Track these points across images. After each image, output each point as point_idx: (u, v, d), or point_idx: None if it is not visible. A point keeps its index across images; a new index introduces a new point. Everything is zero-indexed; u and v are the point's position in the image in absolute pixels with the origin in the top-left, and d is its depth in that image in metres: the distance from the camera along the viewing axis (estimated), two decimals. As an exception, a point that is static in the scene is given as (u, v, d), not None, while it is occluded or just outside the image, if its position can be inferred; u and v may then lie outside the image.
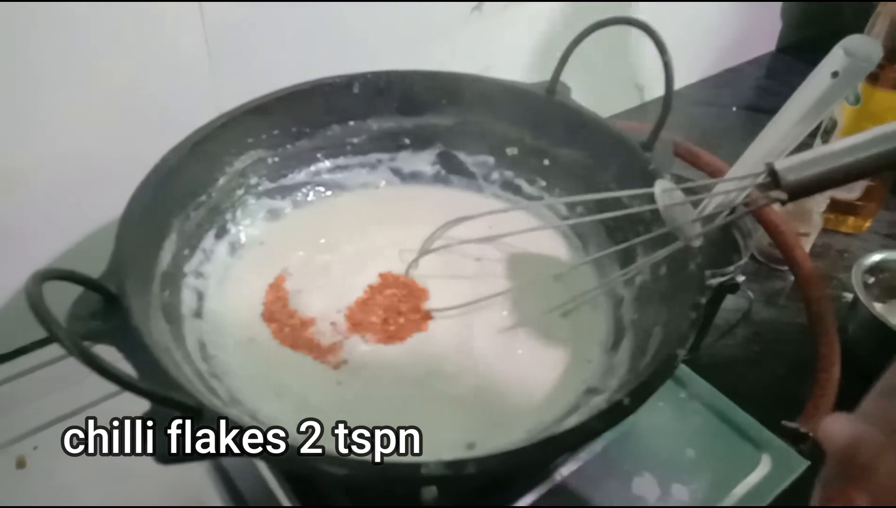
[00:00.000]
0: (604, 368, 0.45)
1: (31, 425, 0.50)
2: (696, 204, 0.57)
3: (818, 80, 0.52)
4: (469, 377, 0.46)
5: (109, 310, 0.36)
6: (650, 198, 0.47)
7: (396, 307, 0.50)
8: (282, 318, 0.48)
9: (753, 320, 0.73)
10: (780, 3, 1.17)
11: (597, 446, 0.47)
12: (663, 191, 0.46)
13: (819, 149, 0.37)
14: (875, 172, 0.37)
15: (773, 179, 0.37)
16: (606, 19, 0.49)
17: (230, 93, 0.53)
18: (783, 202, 0.38)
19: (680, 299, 0.41)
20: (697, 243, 0.43)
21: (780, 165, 0.37)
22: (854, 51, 0.51)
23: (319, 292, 0.50)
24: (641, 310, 0.47)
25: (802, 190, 0.37)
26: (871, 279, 0.69)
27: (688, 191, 0.63)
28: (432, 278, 0.52)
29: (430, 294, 0.51)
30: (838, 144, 0.37)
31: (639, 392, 0.35)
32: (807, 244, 0.77)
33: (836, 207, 0.81)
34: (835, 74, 0.51)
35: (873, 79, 0.72)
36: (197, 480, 0.45)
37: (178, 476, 0.44)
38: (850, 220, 0.83)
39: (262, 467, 0.42)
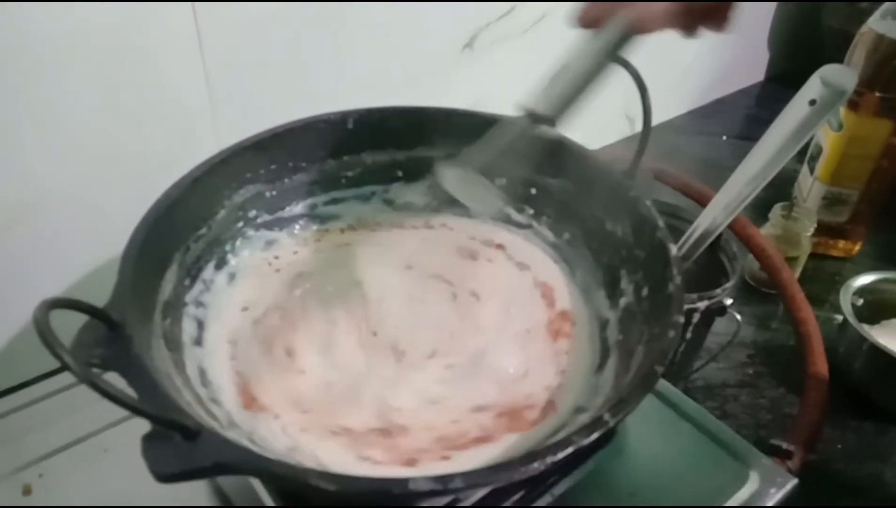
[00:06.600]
0: (591, 387, 0.47)
1: (36, 453, 0.52)
2: (680, 231, 0.59)
3: (797, 108, 0.54)
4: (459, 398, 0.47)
5: (113, 338, 0.37)
6: (630, 222, 0.49)
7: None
8: None
9: (746, 342, 0.74)
10: (767, 34, 1.20)
11: (588, 465, 0.48)
12: (451, 176, 0.48)
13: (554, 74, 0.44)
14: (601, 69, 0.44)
15: (540, 118, 0.44)
16: (587, 54, 0.51)
17: (231, 131, 0.55)
18: (552, 123, 0.44)
19: (660, 320, 0.42)
20: (498, 213, 0.46)
21: (531, 104, 0.44)
22: (830, 79, 0.53)
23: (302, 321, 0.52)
24: (625, 331, 0.48)
25: (562, 106, 0.44)
26: (861, 301, 0.70)
27: (676, 218, 0.65)
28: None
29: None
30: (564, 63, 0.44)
31: (619, 408, 0.36)
32: (797, 268, 0.78)
33: (825, 230, 0.82)
34: (812, 102, 0.53)
35: (854, 106, 0.74)
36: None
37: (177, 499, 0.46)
38: (841, 243, 0.84)
39: (258, 484, 0.43)
